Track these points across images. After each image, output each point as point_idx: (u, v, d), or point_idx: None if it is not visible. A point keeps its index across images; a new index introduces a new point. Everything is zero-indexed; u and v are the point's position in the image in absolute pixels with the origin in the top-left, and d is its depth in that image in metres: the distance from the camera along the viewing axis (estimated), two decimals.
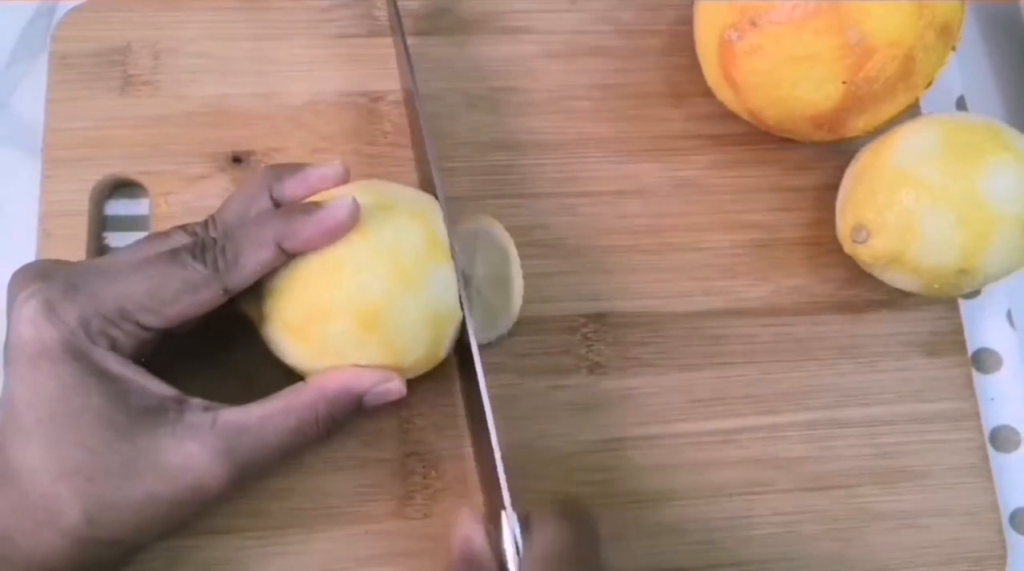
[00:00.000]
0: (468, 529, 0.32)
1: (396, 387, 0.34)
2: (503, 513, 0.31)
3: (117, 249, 0.40)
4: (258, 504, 0.37)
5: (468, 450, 0.39)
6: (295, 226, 0.32)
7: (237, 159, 0.41)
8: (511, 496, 0.31)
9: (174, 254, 0.32)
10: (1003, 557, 0.40)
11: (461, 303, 0.34)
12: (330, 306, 0.32)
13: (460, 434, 0.39)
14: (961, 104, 0.47)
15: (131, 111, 0.41)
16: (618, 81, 0.44)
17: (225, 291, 0.31)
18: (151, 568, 0.36)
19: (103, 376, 0.30)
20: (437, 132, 0.42)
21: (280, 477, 0.37)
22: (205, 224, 0.34)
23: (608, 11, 0.45)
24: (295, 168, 0.35)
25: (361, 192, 0.34)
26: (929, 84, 0.39)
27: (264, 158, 0.41)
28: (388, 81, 0.43)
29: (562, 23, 0.45)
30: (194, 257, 0.31)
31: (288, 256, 0.32)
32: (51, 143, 0.40)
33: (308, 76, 0.42)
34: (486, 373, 0.33)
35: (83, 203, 0.39)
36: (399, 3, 0.41)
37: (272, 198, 0.34)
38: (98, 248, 0.40)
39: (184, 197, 0.40)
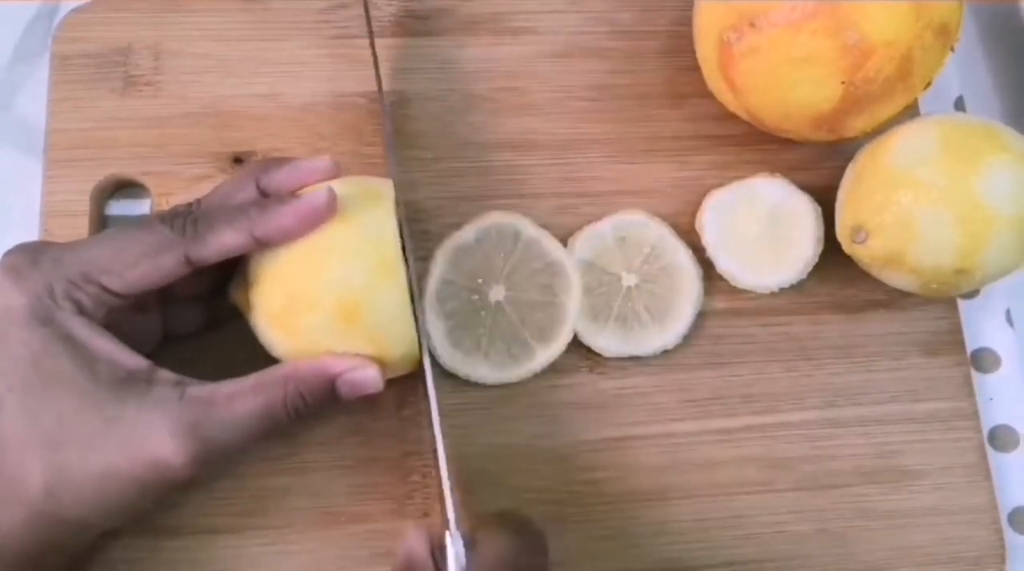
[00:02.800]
0: (412, 541, 0.31)
1: (371, 376, 0.32)
2: (447, 533, 0.30)
3: None
4: (257, 504, 0.37)
5: (468, 450, 0.39)
6: (269, 214, 0.32)
7: (238, 159, 0.41)
8: (456, 516, 0.31)
9: (143, 220, 0.32)
10: (1002, 557, 0.40)
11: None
12: (310, 296, 0.32)
13: (459, 434, 0.39)
14: (959, 105, 0.47)
15: (132, 112, 0.41)
16: (618, 82, 0.44)
17: (188, 261, 0.31)
18: (150, 568, 0.36)
19: (70, 342, 0.30)
20: (437, 133, 0.42)
21: (279, 476, 0.37)
22: (188, 205, 0.34)
23: (608, 12, 0.45)
24: (284, 161, 0.35)
25: (347, 185, 0.34)
26: (927, 85, 0.39)
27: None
28: (387, 81, 0.43)
29: (562, 24, 0.45)
30: (162, 221, 0.31)
31: (260, 244, 0.32)
32: (52, 143, 0.40)
33: (308, 76, 0.42)
34: (437, 389, 0.32)
35: (84, 203, 0.39)
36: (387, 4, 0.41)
37: (260, 190, 0.34)
38: None
39: (185, 197, 0.40)
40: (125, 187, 0.41)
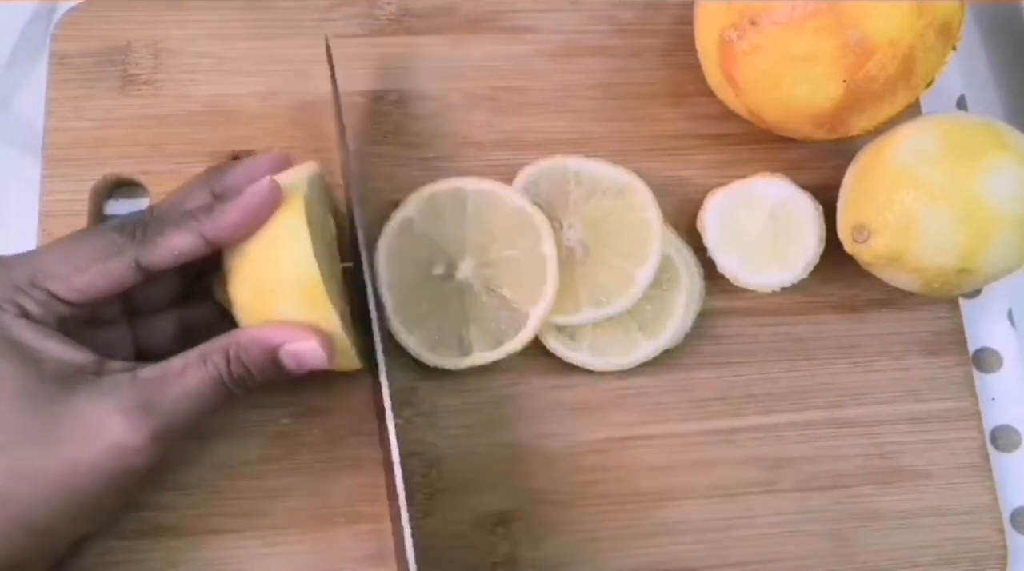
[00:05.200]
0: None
1: (312, 348, 0.31)
2: None
3: None
4: (258, 504, 0.37)
5: (468, 450, 0.39)
6: (215, 214, 0.31)
7: (237, 158, 0.41)
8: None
9: (93, 227, 0.32)
10: (1003, 557, 0.40)
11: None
12: (275, 284, 0.32)
13: (460, 434, 0.39)
14: (961, 104, 0.47)
15: (131, 111, 0.41)
16: (618, 80, 0.44)
17: (139, 266, 0.31)
18: (151, 568, 0.36)
19: (12, 344, 0.29)
20: (438, 132, 0.42)
21: (279, 477, 0.37)
22: (141, 212, 0.34)
23: (608, 10, 0.45)
24: (235, 163, 0.35)
25: (296, 174, 0.34)
26: (929, 84, 0.39)
27: None
28: (388, 80, 0.43)
29: (562, 22, 0.45)
30: (112, 228, 0.31)
31: (212, 245, 0.32)
32: (51, 143, 0.40)
33: (308, 75, 0.42)
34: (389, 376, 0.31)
35: (83, 203, 0.39)
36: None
37: (215, 195, 0.34)
38: None
39: None
40: (124, 186, 0.41)
